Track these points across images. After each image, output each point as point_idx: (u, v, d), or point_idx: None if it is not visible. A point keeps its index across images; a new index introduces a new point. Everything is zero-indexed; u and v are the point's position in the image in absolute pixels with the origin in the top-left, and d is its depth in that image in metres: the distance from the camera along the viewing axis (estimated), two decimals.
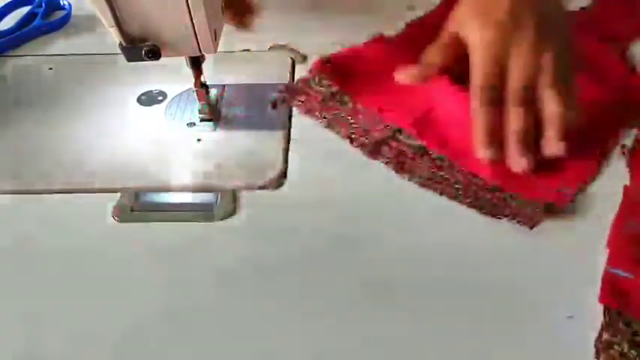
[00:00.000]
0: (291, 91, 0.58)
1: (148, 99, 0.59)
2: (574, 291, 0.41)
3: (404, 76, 0.52)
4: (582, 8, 0.67)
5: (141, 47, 0.48)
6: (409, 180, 0.49)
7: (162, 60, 0.49)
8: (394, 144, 0.52)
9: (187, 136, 0.55)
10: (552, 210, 0.46)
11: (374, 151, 0.52)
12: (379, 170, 0.51)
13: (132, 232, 0.47)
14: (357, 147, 0.52)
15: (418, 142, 0.52)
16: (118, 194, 0.49)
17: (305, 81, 0.58)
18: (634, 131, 0.53)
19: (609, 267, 0.42)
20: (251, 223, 0.47)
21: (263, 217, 0.48)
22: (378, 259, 0.44)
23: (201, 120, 0.56)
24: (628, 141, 0.52)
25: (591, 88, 0.55)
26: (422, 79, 0.52)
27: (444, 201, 0.48)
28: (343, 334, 0.40)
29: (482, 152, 0.47)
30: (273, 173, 0.51)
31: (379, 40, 0.63)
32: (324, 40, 0.63)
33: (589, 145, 0.51)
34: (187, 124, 0.56)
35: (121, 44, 0.48)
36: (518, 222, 0.45)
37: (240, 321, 0.41)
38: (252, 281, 0.43)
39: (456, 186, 0.48)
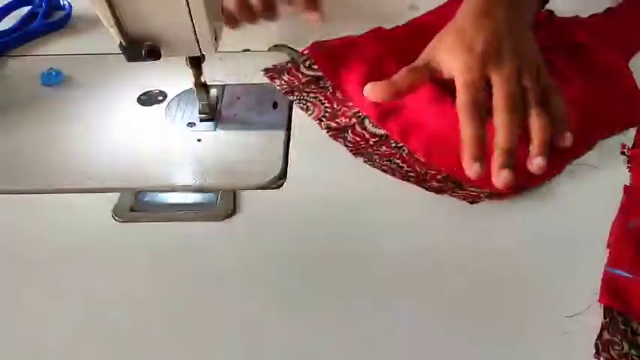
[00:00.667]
0: (278, 71, 0.60)
1: (148, 99, 0.59)
2: (574, 291, 0.41)
3: (370, 91, 0.52)
4: (593, 15, 0.67)
5: (141, 47, 0.48)
6: (365, 162, 0.51)
7: (163, 60, 0.49)
8: (358, 130, 0.54)
9: (187, 136, 0.55)
10: (496, 196, 0.47)
11: (337, 134, 0.54)
12: (378, 169, 0.51)
13: (132, 232, 0.47)
14: (323, 129, 0.55)
15: (382, 131, 0.54)
16: (118, 194, 0.49)
17: (294, 64, 0.61)
18: (634, 131, 0.53)
19: (609, 267, 0.42)
20: (251, 223, 0.47)
21: (263, 217, 0.48)
22: (378, 258, 0.44)
23: (201, 120, 0.56)
24: (628, 141, 0.52)
25: (588, 91, 0.55)
26: (386, 95, 0.52)
27: (443, 201, 0.48)
28: (344, 333, 0.40)
29: (468, 166, 0.46)
30: (273, 173, 0.51)
31: (377, 32, 0.64)
32: (324, 40, 0.63)
33: (555, 152, 0.50)
34: (187, 124, 0.56)
35: (121, 44, 0.48)
36: (460, 199, 0.47)
37: (240, 321, 0.41)
38: (252, 281, 0.43)
39: (409, 174, 0.50)
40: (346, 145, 0.53)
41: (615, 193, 0.48)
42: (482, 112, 0.48)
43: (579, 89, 0.56)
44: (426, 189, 0.49)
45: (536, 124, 0.48)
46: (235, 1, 0.62)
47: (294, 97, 0.58)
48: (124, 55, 0.49)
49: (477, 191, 0.48)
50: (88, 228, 0.47)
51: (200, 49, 0.50)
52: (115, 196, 0.49)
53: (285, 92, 0.58)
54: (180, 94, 0.59)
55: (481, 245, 0.45)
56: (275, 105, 0.58)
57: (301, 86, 0.59)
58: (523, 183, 0.48)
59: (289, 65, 0.61)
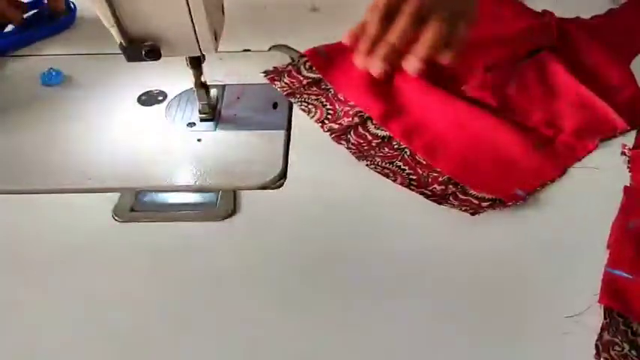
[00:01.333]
0: (278, 73, 0.61)
1: (148, 99, 0.59)
2: (574, 291, 0.41)
3: (347, 37, 0.56)
4: (595, 16, 0.67)
5: (141, 47, 0.48)
6: (367, 166, 0.51)
7: (163, 60, 0.49)
8: (361, 131, 0.54)
9: (187, 136, 0.55)
10: (498, 204, 0.47)
11: (340, 136, 0.54)
12: (381, 175, 0.51)
13: (132, 232, 0.47)
14: (326, 131, 0.55)
15: (384, 133, 0.54)
16: (118, 194, 0.49)
17: (295, 67, 0.61)
18: (634, 132, 0.53)
19: (609, 268, 0.42)
20: (251, 223, 0.47)
21: (263, 217, 0.48)
22: (378, 259, 0.44)
23: (201, 120, 0.56)
24: (628, 141, 0.52)
25: (582, 95, 0.56)
26: (361, 35, 0.55)
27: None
28: (344, 333, 0.40)
29: (369, 64, 0.52)
30: (273, 173, 0.51)
31: None
32: (324, 40, 0.63)
33: (558, 151, 0.52)
34: (187, 124, 0.56)
35: (121, 44, 0.48)
36: (461, 209, 0.47)
37: (240, 321, 0.41)
38: (252, 281, 0.43)
39: (410, 177, 0.50)
40: (349, 148, 0.53)
41: (615, 193, 0.48)
42: (390, 16, 0.53)
43: (577, 91, 0.56)
44: (428, 197, 0.48)
45: (429, 31, 0.52)
46: None
47: (296, 100, 0.58)
48: (124, 55, 0.49)
49: (479, 197, 0.48)
50: (88, 228, 0.47)
51: (200, 49, 0.50)
52: (115, 196, 0.49)
53: (287, 94, 0.58)
54: (180, 94, 0.59)
55: (481, 245, 0.45)
56: (275, 105, 0.58)
57: (302, 88, 0.59)
58: (523, 186, 0.48)
59: (289, 68, 0.61)
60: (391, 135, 0.54)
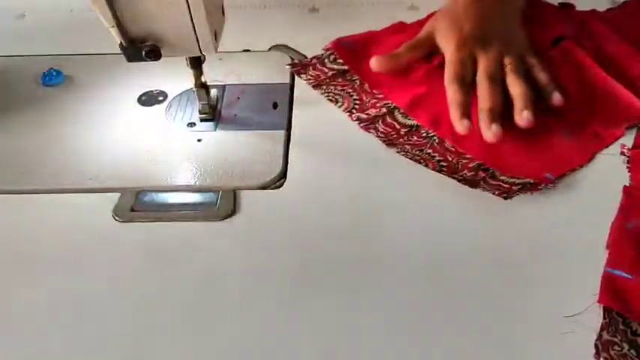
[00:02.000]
0: (304, 66, 0.61)
1: (148, 99, 0.59)
2: (574, 291, 0.41)
3: (375, 63, 0.59)
4: (610, 9, 0.68)
5: (141, 47, 0.48)
6: (397, 152, 0.52)
7: (163, 60, 0.49)
8: (389, 121, 0.55)
9: (187, 136, 0.55)
10: (529, 188, 0.48)
11: (369, 125, 0.55)
12: (379, 170, 0.51)
13: (132, 232, 0.47)
14: (354, 120, 0.55)
15: (412, 122, 0.55)
16: (118, 194, 0.49)
17: (319, 59, 0.62)
18: (634, 131, 0.53)
19: (609, 268, 0.42)
20: (251, 223, 0.47)
21: (263, 217, 0.48)
22: (378, 258, 0.44)
23: (201, 120, 0.56)
24: (628, 141, 0.52)
25: (607, 83, 0.56)
26: (388, 68, 0.58)
27: (444, 202, 0.48)
28: (344, 333, 0.40)
29: (458, 125, 0.51)
30: (273, 173, 0.51)
31: (398, 26, 0.65)
32: (324, 40, 0.63)
33: (587, 139, 0.52)
34: (187, 124, 0.56)
35: (121, 44, 0.48)
36: (494, 193, 0.48)
37: (241, 321, 0.41)
38: (252, 281, 0.43)
39: (441, 163, 0.51)
40: (378, 136, 0.54)
41: (615, 193, 0.48)
42: (466, 84, 0.54)
43: (602, 78, 0.57)
44: (459, 180, 0.49)
45: (513, 89, 0.53)
46: None
47: (322, 91, 0.59)
48: (124, 55, 0.49)
49: (509, 182, 0.49)
50: (88, 228, 0.47)
51: (200, 49, 0.50)
52: (115, 196, 0.49)
53: (313, 86, 0.59)
54: (180, 94, 0.59)
55: (481, 246, 0.45)
56: (275, 105, 0.58)
57: (328, 80, 0.60)
58: (552, 170, 0.49)
59: (314, 61, 0.62)
60: (419, 124, 0.54)
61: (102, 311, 0.42)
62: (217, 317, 0.41)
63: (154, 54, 0.48)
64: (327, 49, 0.62)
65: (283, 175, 0.51)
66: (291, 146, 0.54)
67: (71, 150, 0.54)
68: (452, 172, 0.50)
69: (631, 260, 0.42)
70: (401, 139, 0.53)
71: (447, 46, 0.57)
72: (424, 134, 0.54)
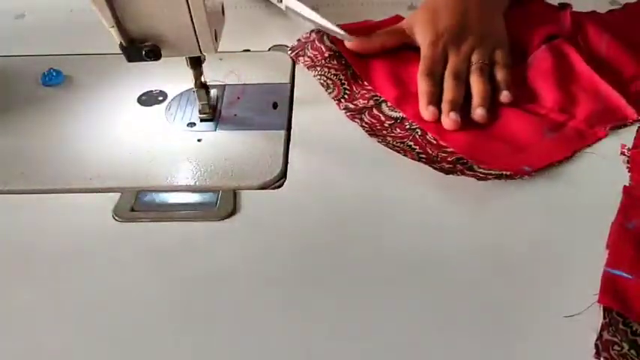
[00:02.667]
0: (302, 46, 0.63)
1: (148, 99, 0.59)
2: (574, 291, 0.41)
3: (350, 45, 0.62)
4: (611, 10, 0.69)
5: (141, 47, 0.48)
6: (379, 142, 0.53)
7: (163, 60, 0.49)
8: (375, 113, 0.56)
9: (187, 136, 0.55)
10: (505, 177, 0.49)
11: (355, 115, 0.56)
12: (379, 170, 0.51)
13: (132, 232, 0.47)
14: (342, 109, 0.57)
15: (398, 114, 0.56)
16: (118, 194, 0.49)
17: (319, 35, 0.63)
18: (634, 131, 0.53)
19: (609, 267, 0.42)
20: (251, 223, 0.47)
21: (263, 217, 0.48)
22: (378, 258, 0.44)
23: (201, 120, 0.56)
24: (628, 141, 0.52)
25: (596, 83, 0.57)
26: (360, 48, 0.61)
27: (444, 202, 0.48)
28: (345, 333, 0.40)
29: (425, 111, 0.55)
30: (273, 173, 0.51)
31: (396, 19, 0.66)
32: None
33: (569, 137, 0.53)
34: (187, 124, 0.56)
35: (121, 44, 0.48)
36: (468, 175, 0.49)
37: (241, 321, 0.41)
38: (252, 281, 0.43)
39: (420, 155, 0.52)
40: (362, 126, 0.55)
41: (615, 193, 0.48)
42: (436, 78, 0.57)
43: (591, 78, 0.57)
44: (436, 169, 0.50)
45: (474, 86, 0.57)
46: None
47: (316, 72, 0.60)
48: (124, 55, 0.49)
49: (485, 172, 0.49)
50: (88, 228, 0.47)
51: (200, 50, 0.50)
52: (115, 196, 0.49)
53: (308, 67, 0.61)
54: (180, 94, 0.59)
55: (480, 246, 0.45)
56: (275, 105, 0.58)
57: (323, 61, 0.61)
58: (531, 163, 0.50)
59: (313, 37, 0.63)
60: (404, 116, 0.56)
61: (102, 311, 0.42)
62: (217, 317, 0.41)
63: (154, 54, 0.48)
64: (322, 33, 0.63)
65: (283, 175, 0.51)
66: (291, 146, 0.54)
67: (71, 150, 0.54)
68: (430, 162, 0.51)
69: (631, 260, 0.42)
70: (384, 131, 0.54)
71: (423, 41, 0.60)
72: (407, 126, 0.55)
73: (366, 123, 0.55)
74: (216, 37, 0.50)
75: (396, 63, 0.61)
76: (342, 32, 0.59)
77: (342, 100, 0.58)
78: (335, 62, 0.60)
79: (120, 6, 0.46)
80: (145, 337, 0.40)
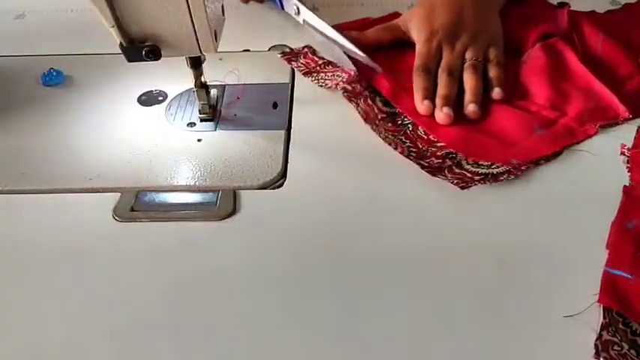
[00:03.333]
0: (294, 54, 0.64)
1: (148, 99, 0.59)
2: (574, 291, 0.41)
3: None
4: (610, 10, 0.69)
5: (141, 47, 0.48)
6: (372, 129, 0.54)
7: (163, 60, 0.49)
8: (370, 102, 0.57)
9: (187, 136, 0.55)
10: (490, 178, 0.49)
11: (352, 97, 0.57)
12: (379, 170, 0.51)
13: (132, 232, 0.47)
14: (339, 89, 0.58)
15: (391, 109, 0.57)
16: (118, 194, 0.49)
17: (310, 49, 0.64)
18: (634, 132, 0.53)
19: (609, 267, 0.42)
20: (251, 223, 0.47)
21: (263, 217, 0.48)
22: (378, 258, 0.44)
23: (201, 120, 0.56)
24: (628, 141, 0.52)
25: (590, 81, 0.57)
26: (362, 44, 0.61)
27: (444, 201, 0.48)
28: (345, 333, 0.40)
29: (420, 106, 0.56)
30: (273, 173, 0.51)
31: (394, 16, 0.67)
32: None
33: (558, 134, 0.53)
34: (187, 124, 0.56)
35: (121, 44, 0.48)
36: (452, 182, 0.49)
37: (241, 320, 0.41)
38: (252, 281, 0.43)
39: (410, 149, 0.53)
40: (358, 111, 0.56)
41: (615, 193, 0.48)
42: (431, 74, 0.58)
43: (583, 76, 0.58)
44: (423, 167, 0.50)
45: (466, 82, 0.58)
46: None
47: (312, 78, 0.61)
48: (124, 55, 0.49)
49: (473, 171, 0.50)
50: (88, 228, 0.47)
51: (200, 49, 0.50)
52: (115, 196, 0.49)
53: (303, 73, 0.61)
54: (180, 94, 0.59)
55: (480, 245, 0.45)
56: (275, 105, 0.58)
57: (318, 68, 0.62)
58: (517, 156, 0.51)
59: (305, 50, 0.64)
60: (398, 111, 0.57)
61: (102, 311, 0.42)
62: (217, 317, 0.41)
63: (154, 54, 0.48)
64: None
65: (283, 175, 0.51)
66: (291, 146, 0.54)
67: (71, 150, 0.54)
68: (419, 157, 0.52)
69: (631, 260, 0.42)
70: (377, 121, 0.55)
71: (418, 37, 0.61)
72: (399, 122, 0.56)
73: (361, 108, 0.56)
74: (216, 37, 0.50)
75: (390, 58, 0.62)
76: (363, 55, 0.59)
77: (341, 83, 0.59)
78: (330, 67, 0.62)
79: (120, 6, 0.46)
80: (145, 337, 0.40)
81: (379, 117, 0.56)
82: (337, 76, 0.60)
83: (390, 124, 0.55)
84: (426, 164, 0.51)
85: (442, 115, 0.54)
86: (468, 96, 0.56)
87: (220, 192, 0.49)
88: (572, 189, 0.49)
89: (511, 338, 0.39)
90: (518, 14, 0.66)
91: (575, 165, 0.51)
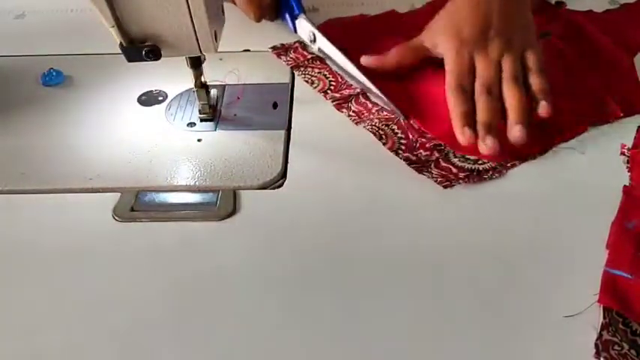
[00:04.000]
0: (285, 49, 0.64)
1: (148, 99, 0.59)
2: (574, 291, 0.41)
3: (365, 61, 0.59)
4: (608, 10, 0.69)
5: (141, 47, 0.48)
6: (364, 128, 0.54)
7: (163, 60, 0.49)
8: (362, 100, 0.57)
9: (187, 136, 0.55)
10: (473, 177, 0.49)
11: (342, 104, 0.57)
12: (379, 170, 0.51)
13: (132, 232, 0.47)
14: (328, 99, 0.58)
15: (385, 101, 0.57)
16: (118, 194, 0.49)
17: (301, 43, 0.65)
18: (634, 132, 0.53)
19: (609, 267, 0.42)
20: (251, 223, 0.47)
21: (263, 217, 0.48)
22: (378, 258, 0.44)
23: (201, 120, 0.56)
24: (628, 141, 0.52)
25: (584, 81, 0.58)
26: (377, 66, 0.59)
27: (444, 201, 0.48)
28: (344, 333, 0.40)
29: (460, 134, 0.51)
30: (273, 173, 0.51)
31: (391, 14, 0.68)
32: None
33: (548, 133, 0.53)
34: (187, 124, 0.56)
35: (121, 44, 0.48)
36: (436, 180, 0.49)
37: (241, 320, 0.41)
38: (252, 281, 0.43)
39: (401, 140, 0.53)
40: (349, 116, 0.56)
41: (615, 193, 0.48)
42: (466, 92, 0.54)
43: (577, 74, 0.58)
44: (410, 163, 0.51)
45: (509, 100, 0.52)
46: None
47: (299, 72, 0.61)
48: (124, 55, 0.49)
49: (459, 166, 0.50)
50: (88, 228, 0.47)
51: (200, 49, 0.50)
52: (115, 196, 0.49)
53: (292, 67, 0.62)
54: (180, 94, 0.59)
55: (480, 246, 0.45)
56: (275, 105, 0.58)
57: (306, 62, 0.62)
58: (505, 157, 0.51)
59: (295, 44, 0.64)
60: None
61: (102, 311, 0.42)
62: (217, 317, 0.41)
63: (154, 54, 0.48)
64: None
65: (283, 175, 0.51)
66: (291, 146, 0.54)
67: (71, 150, 0.54)
68: (409, 150, 0.52)
69: (631, 260, 0.42)
70: (371, 115, 0.55)
71: (446, 52, 0.56)
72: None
73: (353, 111, 0.56)
74: (216, 37, 0.50)
75: (406, 77, 0.59)
76: (385, 98, 0.56)
77: (329, 92, 0.59)
78: (318, 62, 0.62)
79: (120, 6, 0.46)
80: (144, 337, 0.40)
81: (373, 110, 0.56)
82: (324, 75, 0.60)
83: (384, 113, 0.55)
84: (414, 158, 0.51)
85: (485, 147, 0.50)
86: (512, 116, 0.51)
87: (220, 192, 0.49)
88: (571, 189, 0.49)
89: (511, 338, 0.40)
90: None
91: (575, 165, 0.51)
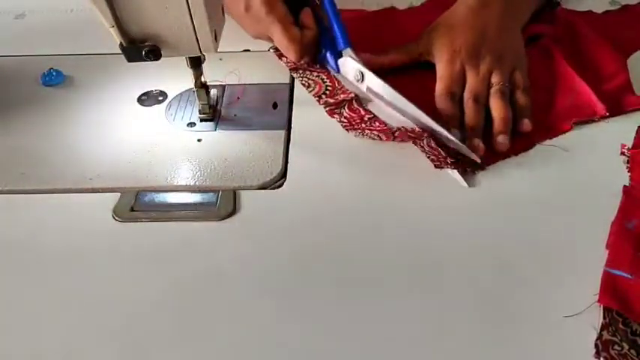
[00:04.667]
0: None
1: (148, 99, 0.59)
2: (574, 291, 0.41)
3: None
4: (608, 11, 0.69)
5: (141, 47, 0.48)
6: (355, 136, 0.54)
7: (163, 60, 0.49)
8: (355, 106, 0.57)
9: (187, 136, 0.55)
10: (460, 164, 0.50)
11: (334, 110, 0.57)
12: (379, 170, 0.51)
13: (132, 232, 0.47)
14: (322, 104, 0.57)
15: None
16: (118, 194, 0.49)
17: None
18: (633, 132, 0.53)
19: (609, 267, 0.42)
20: (251, 223, 0.47)
21: (263, 217, 0.48)
22: (377, 258, 0.44)
23: (201, 120, 0.56)
24: (628, 141, 0.52)
25: (571, 80, 0.58)
26: (372, 64, 0.59)
27: (443, 200, 0.48)
28: (344, 332, 0.40)
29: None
30: (273, 173, 0.51)
31: (390, 11, 0.68)
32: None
33: (534, 132, 0.54)
34: (187, 124, 0.56)
35: (121, 44, 0.48)
36: (428, 157, 0.51)
37: (240, 320, 0.41)
38: (252, 281, 0.43)
39: (395, 133, 0.53)
40: (341, 122, 0.55)
41: (614, 193, 0.48)
42: (455, 98, 0.56)
43: (565, 74, 0.59)
44: (406, 135, 0.52)
45: (494, 112, 0.55)
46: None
47: (298, 75, 0.61)
48: (124, 55, 0.49)
49: (450, 152, 0.51)
50: (88, 228, 0.47)
51: (200, 49, 0.50)
52: (115, 196, 0.49)
53: (291, 69, 0.62)
54: (180, 94, 0.59)
55: (480, 246, 0.45)
56: (275, 105, 0.58)
57: (306, 65, 0.62)
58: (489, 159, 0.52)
59: None
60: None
61: (102, 311, 0.42)
62: (217, 317, 0.41)
63: (154, 54, 0.48)
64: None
65: (283, 175, 0.51)
66: (291, 146, 0.54)
67: (71, 150, 0.54)
68: (402, 135, 0.53)
69: (631, 260, 0.42)
70: (362, 124, 0.55)
71: (439, 58, 0.59)
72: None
73: (345, 117, 0.56)
74: (216, 37, 0.50)
75: (407, 80, 0.59)
76: (457, 141, 0.52)
77: (323, 97, 0.58)
78: (317, 65, 0.62)
79: (120, 6, 0.46)
80: (144, 337, 0.40)
81: (365, 118, 0.55)
82: (321, 79, 0.60)
83: (377, 124, 0.55)
84: (410, 130, 0.52)
85: (477, 151, 0.51)
86: (497, 126, 0.53)
87: (220, 192, 0.49)
88: (572, 189, 0.49)
89: (511, 338, 0.40)
90: None
91: (575, 165, 0.51)
